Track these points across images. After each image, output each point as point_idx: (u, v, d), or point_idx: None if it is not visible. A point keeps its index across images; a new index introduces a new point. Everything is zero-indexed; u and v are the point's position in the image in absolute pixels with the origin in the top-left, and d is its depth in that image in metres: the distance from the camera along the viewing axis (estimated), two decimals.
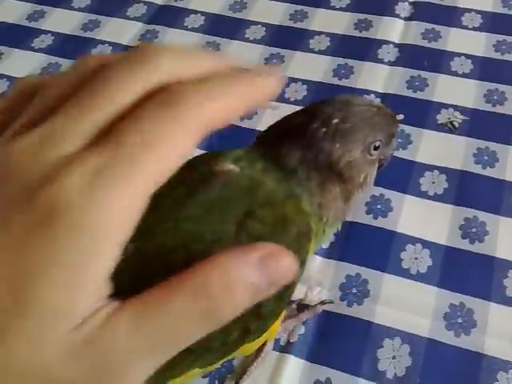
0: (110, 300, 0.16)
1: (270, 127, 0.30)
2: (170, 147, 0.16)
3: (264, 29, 0.59)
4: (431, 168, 0.46)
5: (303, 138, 0.28)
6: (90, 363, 0.16)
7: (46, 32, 0.60)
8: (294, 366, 0.37)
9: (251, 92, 0.18)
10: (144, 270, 0.22)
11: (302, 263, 0.27)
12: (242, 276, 0.17)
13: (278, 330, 0.36)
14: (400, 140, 0.48)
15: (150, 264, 0.23)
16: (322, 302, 0.39)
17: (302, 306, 0.39)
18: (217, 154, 0.28)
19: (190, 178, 0.25)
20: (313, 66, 0.55)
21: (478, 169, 0.46)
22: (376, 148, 0.29)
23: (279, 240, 0.26)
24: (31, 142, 0.16)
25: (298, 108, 0.30)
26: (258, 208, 0.26)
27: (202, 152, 0.29)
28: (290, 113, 0.30)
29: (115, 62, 0.17)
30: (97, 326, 0.16)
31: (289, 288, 0.27)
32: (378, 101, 0.51)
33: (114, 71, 0.17)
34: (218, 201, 0.25)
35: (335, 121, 0.28)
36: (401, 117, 0.50)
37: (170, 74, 0.17)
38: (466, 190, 0.45)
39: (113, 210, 0.15)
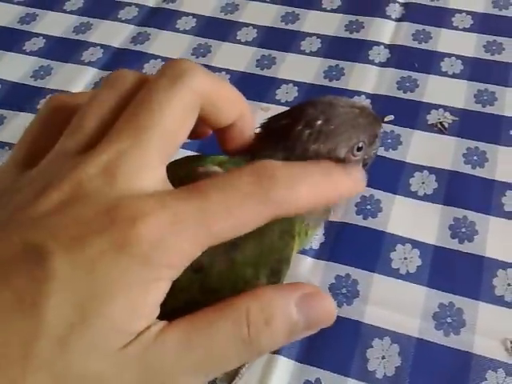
0: (157, 320, 0.18)
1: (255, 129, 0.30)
2: (245, 217, 0.19)
3: (255, 30, 0.59)
4: (421, 168, 0.47)
5: (287, 141, 0.28)
6: (141, 375, 0.17)
7: (37, 35, 0.60)
8: (284, 366, 0.37)
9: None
10: None
11: (287, 261, 0.27)
12: (282, 309, 0.19)
13: None
14: (390, 140, 0.48)
15: None
16: None
17: None
18: (202, 157, 0.28)
19: (174, 179, 0.25)
20: (304, 68, 0.55)
21: (467, 169, 0.46)
22: (359, 149, 0.29)
23: (263, 236, 0.26)
24: (101, 166, 0.18)
25: None
26: None
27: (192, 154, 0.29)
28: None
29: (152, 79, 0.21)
30: (148, 341, 0.17)
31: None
32: (368, 102, 0.51)
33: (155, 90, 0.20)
34: None
35: (319, 122, 0.28)
36: (391, 117, 0.50)
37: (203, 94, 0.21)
38: (455, 190, 0.45)
39: (178, 256, 0.18)
